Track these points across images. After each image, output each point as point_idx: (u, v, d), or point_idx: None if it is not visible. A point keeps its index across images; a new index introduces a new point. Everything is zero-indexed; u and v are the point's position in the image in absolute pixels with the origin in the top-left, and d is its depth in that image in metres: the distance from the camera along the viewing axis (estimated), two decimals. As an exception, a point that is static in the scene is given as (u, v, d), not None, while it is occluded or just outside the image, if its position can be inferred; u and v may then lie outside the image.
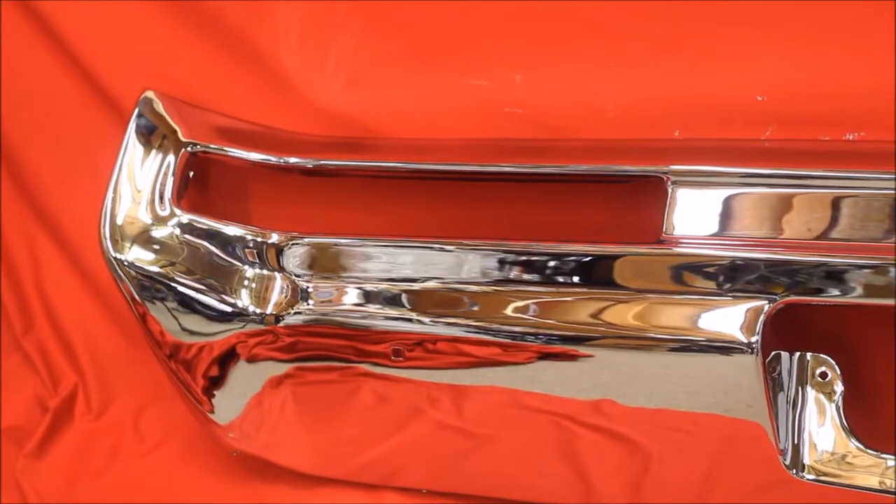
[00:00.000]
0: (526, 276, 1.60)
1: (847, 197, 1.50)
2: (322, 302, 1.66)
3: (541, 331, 1.59)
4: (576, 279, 1.58)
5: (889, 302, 1.48)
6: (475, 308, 1.61)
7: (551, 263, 1.59)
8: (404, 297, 1.64)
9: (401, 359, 1.63)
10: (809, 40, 1.56)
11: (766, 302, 1.50)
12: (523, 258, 1.60)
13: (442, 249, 1.64)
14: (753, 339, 1.50)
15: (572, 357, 1.58)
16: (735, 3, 1.57)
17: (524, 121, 1.65)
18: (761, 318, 1.50)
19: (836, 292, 1.49)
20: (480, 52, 1.67)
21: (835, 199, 1.50)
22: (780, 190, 1.52)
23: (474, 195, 1.70)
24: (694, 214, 1.55)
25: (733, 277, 1.51)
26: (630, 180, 1.57)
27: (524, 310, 1.59)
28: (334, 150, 1.73)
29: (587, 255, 1.57)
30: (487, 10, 1.66)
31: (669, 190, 1.54)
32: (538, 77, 1.65)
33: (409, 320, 1.64)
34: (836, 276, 1.48)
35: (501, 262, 1.60)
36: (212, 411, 1.74)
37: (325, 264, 1.68)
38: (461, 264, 1.62)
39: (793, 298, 1.50)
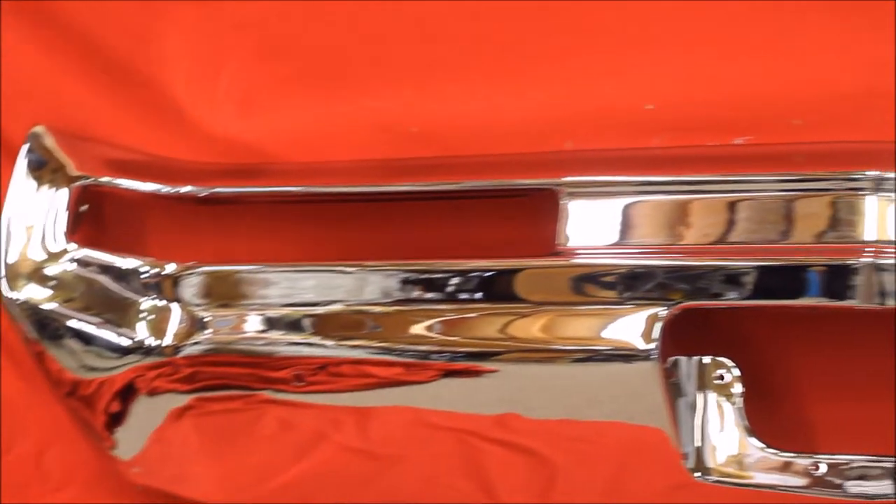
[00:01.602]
0: (427, 295, 1.60)
1: (742, 201, 1.51)
2: (221, 331, 1.65)
3: (444, 348, 1.58)
4: (477, 295, 1.58)
5: (786, 302, 1.49)
6: (378, 329, 1.60)
7: (451, 281, 1.58)
8: (306, 322, 1.63)
9: (302, 384, 1.62)
10: (696, 47, 1.58)
11: (664, 308, 1.51)
12: (424, 277, 1.60)
13: (342, 272, 1.63)
14: (652, 345, 1.51)
15: (476, 373, 1.58)
16: (620, 13, 1.58)
17: (418, 139, 1.66)
18: (659, 324, 1.51)
19: (733, 295, 1.50)
20: (372, 72, 1.67)
21: (730, 203, 1.51)
22: (675, 197, 1.54)
23: (373, 216, 1.70)
24: (588, 225, 1.56)
25: (631, 286, 1.52)
26: (524, 194, 1.58)
27: (427, 328, 1.59)
28: (229, 177, 1.72)
29: (485, 271, 1.58)
30: (377, 30, 1.66)
31: (562, 202, 1.55)
32: (430, 95, 1.66)
33: (312, 345, 1.63)
34: (731, 279, 1.50)
35: (403, 282, 1.60)
36: (114, 447, 1.71)
37: (223, 292, 1.66)
38: (363, 286, 1.62)
39: (689, 303, 1.51)
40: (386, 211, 1.70)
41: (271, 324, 1.65)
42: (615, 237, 1.55)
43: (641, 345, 1.52)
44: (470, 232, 1.66)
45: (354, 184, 1.66)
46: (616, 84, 1.60)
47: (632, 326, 1.53)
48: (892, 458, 1.55)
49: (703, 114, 1.58)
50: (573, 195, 1.56)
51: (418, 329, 1.60)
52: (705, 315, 1.56)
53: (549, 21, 1.61)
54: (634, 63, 1.60)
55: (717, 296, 1.51)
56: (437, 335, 1.59)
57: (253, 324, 1.65)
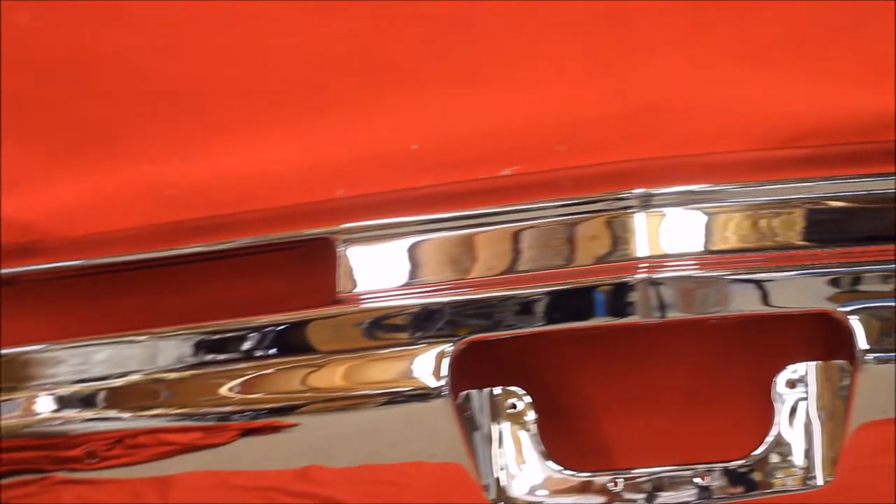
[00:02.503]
0: (219, 356, 1.58)
1: (519, 230, 1.54)
2: (10, 416, 1.60)
3: (242, 407, 1.57)
4: (267, 351, 1.57)
5: (569, 325, 1.51)
6: (174, 395, 1.58)
7: (241, 339, 1.58)
8: (99, 397, 1.60)
9: (96, 460, 1.58)
10: (454, 84, 1.60)
11: (450, 344, 1.52)
12: (214, 338, 1.59)
13: (132, 342, 1.60)
14: (442, 382, 1.52)
15: (276, 429, 1.57)
16: (378, 56, 1.59)
17: (189, 200, 1.64)
18: (447, 360, 1.51)
19: (517, 324, 1.52)
20: (137, 138, 1.65)
21: (507, 233, 1.54)
22: (454, 233, 1.55)
23: (157, 282, 1.68)
24: (368, 269, 1.57)
25: (416, 325, 1.54)
26: (300, 245, 1.58)
27: (222, 389, 1.58)
28: (5, 258, 1.67)
29: (272, 326, 1.57)
30: (136, 97, 1.65)
31: (338, 249, 1.55)
32: (197, 155, 1.64)
33: (107, 419, 1.60)
34: (513, 308, 1.52)
35: (194, 346, 1.59)
36: None
37: (9, 376, 1.61)
38: (155, 354, 1.60)
39: (474, 337, 1.52)
40: (168, 275, 1.68)
41: (63, 402, 1.61)
42: (398, 279, 1.56)
43: (432, 383, 1.53)
44: (252, 288, 1.65)
45: (132, 252, 1.63)
46: (380, 127, 1.61)
47: (421, 366, 1.54)
48: (691, 467, 1.57)
49: (468, 149, 1.60)
50: (349, 241, 1.56)
51: (214, 391, 1.58)
52: (494, 346, 1.57)
53: (307, 72, 1.61)
54: (396, 105, 1.61)
55: (501, 326, 1.53)
56: (233, 395, 1.58)
57: (43, 405, 1.61)
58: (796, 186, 1.53)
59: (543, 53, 1.59)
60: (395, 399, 1.55)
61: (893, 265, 1.51)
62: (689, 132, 1.59)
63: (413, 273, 1.55)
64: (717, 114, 1.59)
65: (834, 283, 1.51)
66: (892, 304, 1.51)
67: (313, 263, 1.56)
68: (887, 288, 1.51)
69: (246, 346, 1.57)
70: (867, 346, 1.50)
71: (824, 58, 1.59)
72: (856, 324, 1.50)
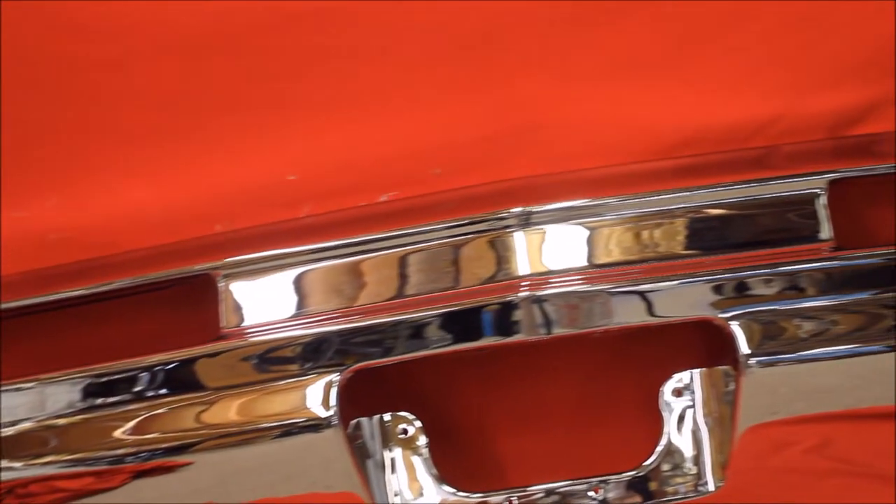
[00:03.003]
0: (110, 399, 1.57)
1: (405, 255, 1.53)
2: None
3: (136, 449, 1.55)
4: (157, 391, 1.56)
5: (456, 347, 1.51)
6: (66, 441, 1.56)
7: (131, 380, 1.56)
8: (-10, 447, 1.57)
9: (-17, 514, 1.56)
10: (328, 113, 1.60)
11: (337, 373, 1.52)
12: (102, 381, 1.57)
13: (19, 389, 1.58)
14: (331, 412, 1.51)
15: (171, 468, 1.56)
16: (248, 88, 1.59)
17: (69, 244, 1.62)
18: (334, 389, 1.51)
19: (404, 349, 1.52)
20: (12, 183, 1.63)
21: (392, 259, 1.54)
22: (337, 261, 1.54)
23: (40, 328, 1.65)
24: (253, 302, 1.56)
25: (303, 356, 1.54)
26: (182, 283, 1.57)
27: (114, 431, 1.56)
28: None
29: (159, 366, 1.56)
30: (14, 138, 1.62)
31: (220, 284, 1.54)
32: (77, 196, 1.62)
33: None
34: (399, 333, 1.53)
35: (83, 390, 1.57)
36: None
37: None
38: (44, 400, 1.57)
39: (361, 364, 1.52)
40: (56, 319, 1.65)
41: (-50, 456, 1.58)
42: (283, 310, 1.56)
43: (322, 413, 1.53)
44: (137, 329, 1.64)
45: (14, 299, 1.61)
46: (255, 160, 1.61)
47: (310, 396, 1.54)
48: (585, 480, 1.58)
49: (344, 177, 1.61)
50: (230, 276, 1.55)
51: (107, 434, 1.57)
52: (383, 372, 1.57)
53: (181, 109, 1.60)
54: (269, 137, 1.61)
55: (387, 353, 1.53)
56: (126, 437, 1.56)
57: (-72, 460, 1.59)
58: (675, 196, 1.55)
59: (414, 80, 1.60)
60: (287, 431, 1.54)
61: (770, 269, 1.52)
62: (564, 149, 1.60)
63: (297, 304, 1.55)
64: (592, 129, 1.60)
65: (715, 290, 1.53)
66: (772, 307, 1.52)
67: (196, 300, 1.55)
68: (766, 292, 1.53)
69: (134, 387, 1.56)
70: (749, 351, 1.51)
71: (697, 68, 1.61)
72: (737, 329, 1.52)
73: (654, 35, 1.60)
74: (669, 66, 1.61)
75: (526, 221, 1.54)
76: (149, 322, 1.63)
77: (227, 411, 1.55)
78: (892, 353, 1.54)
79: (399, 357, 1.54)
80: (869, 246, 1.55)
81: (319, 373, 1.54)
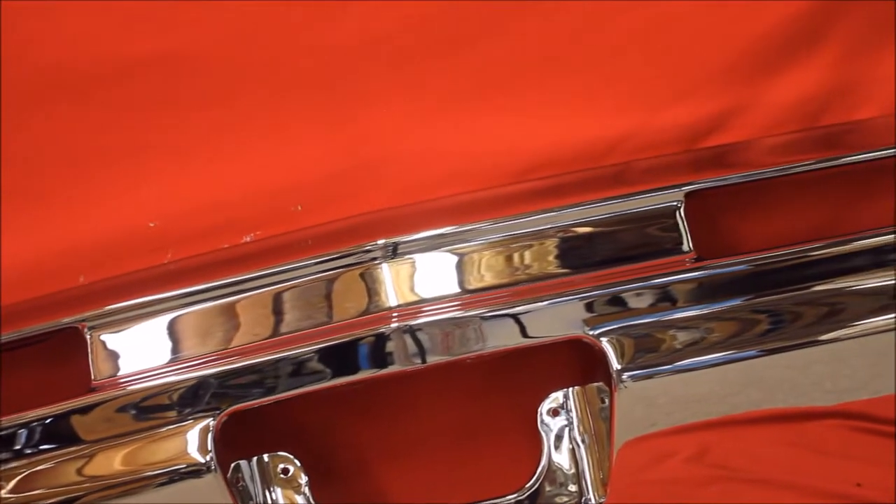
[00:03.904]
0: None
1: (273, 294, 1.53)
2: None
3: (17, 508, 1.53)
4: (37, 447, 1.54)
5: (331, 383, 1.51)
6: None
7: (8, 438, 1.54)
8: None
9: None
10: (184, 157, 1.60)
11: (212, 417, 1.51)
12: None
13: None
14: (208, 457, 1.50)
15: (55, 527, 1.54)
16: (98, 142, 1.58)
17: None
18: (210, 434, 1.50)
19: (276, 388, 1.52)
20: None
21: (261, 298, 1.53)
22: (203, 305, 1.55)
23: None
24: (124, 352, 1.55)
25: (176, 403, 1.53)
26: (48, 337, 1.55)
27: (-2, 491, 1.54)
28: None
29: (32, 422, 1.54)
30: None
31: (87, 336, 1.53)
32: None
33: None
34: (272, 373, 1.53)
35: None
36: None
37: None
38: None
39: (235, 407, 1.52)
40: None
41: None
42: (154, 358, 1.56)
43: (201, 458, 1.52)
44: (9, 385, 1.61)
45: None
46: (114, 210, 1.60)
47: (189, 442, 1.53)
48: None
49: (205, 220, 1.60)
50: (97, 328, 1.54)
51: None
52: (260, 412, 1.56)
53: (35, 164, 1.60)
54: (128, 185, 1.60)
55: (260, 393, 1.53)
56: (7, 496, 1.54)
57: None
58: (539, 218, 1.57)
59: (266, 119, 1.60)
60: (170, 479, 1.54)
61: (635, 284, 1.54)
62: (421, 178, 1.61)
63: (169, 350, 1.55)
64: (447, 157, 1.62)
65: (584, 308, 1.55)
66: (641, 321, 1.54)
67: (66, 354, 1.54)
68: (634, 306, 1.54)
69: (12, 445, 1.54)
70: (620, 366, 1.53)
71: (547, 89, 1.63)
72: (607, 346, 1.53)
73: (503, 59, 1.62)
74: (519, 90, 1.62)
75: (393, 252, 1.55)
76: (20, 379, 1.61)
77: (109, 463, 1.54)
78: (763, 358, 1.55)
79: (273, 397, 1.53)
80: (728, 255, 1.56)
81: (196, 418, 1.53)
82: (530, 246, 1.55)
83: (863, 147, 1.61)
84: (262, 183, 1.60)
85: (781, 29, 1.62)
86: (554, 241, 1.56)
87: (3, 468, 1.54)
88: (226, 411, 1.52)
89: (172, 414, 1.53)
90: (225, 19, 1.59)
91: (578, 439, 1.59)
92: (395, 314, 1.53)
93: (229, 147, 1.59)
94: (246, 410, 1.54)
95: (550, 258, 1.55)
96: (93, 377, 1.54)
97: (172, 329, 1.55)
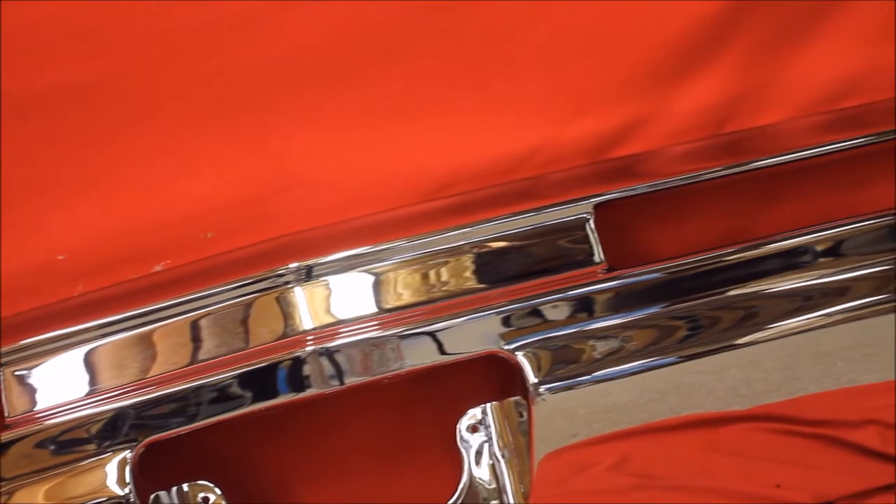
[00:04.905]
0: None
1: (204, 317, 1.52)
2: None
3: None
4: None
5: (249, 409, 1.51)
6: None
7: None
8: None
9: None
10: (92, 188, 1.59)
11: (129, 450, 1.50)
12: None
13: None
14: (127, 489, 1.50)
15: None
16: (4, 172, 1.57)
17: None
18: (128, 466, 1.49)
19: (194, 416, 1.52)
20: None
21: (176, 327, 1.52)
22: (131, 333, 1.53)
23: None
24: (39, 388, 1.54)
25: (95, 435, 1.52)
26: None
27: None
28: None
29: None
30: None
31: (0, 373, 1.52)
32: None
33: None
34: (189, 401, 1.52)
35: None
36: None
37: None
38: None
39: (151, 438, 1.51)
40: None
41: None
42: (70, 392, 1.55)
43: (119, 491, 1.51)
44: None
45: None
46: (22, 243, 1.58)
47: (107, 475, 1.53)
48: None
49: (116, 250, 1.60)
50: (9, 364, 1.54)
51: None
52: (179, 442, 1.55)
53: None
54: (34, 219, 1.59)
55: (177, 422, 1.53)
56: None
57: None
58: (451, 235, 1.58)
59: (172, 146, 1.59)
60: (88, 517, 1.52)
61: (549, 297, 1.55)
62: (330, 201, 1.61)
63: (83, 383, 1.54)
64: (356, 178, 1.62)
65: (500, 322, 1.56)
66: (556, 334, 1.55)
67: None
68: (548, 319, 1.55)
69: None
70: (537, 380, 1.53)
71: (454, 107, 1.63)
72: (523, 359, 1.54)
73: (409, 79, 1.62)
74: (427, 109, 1.63)
75: (307, 275, 1.55)
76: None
77: (30, 499, 1.52)
78: (679, 364, 1.56)
79: (191, 426, 1.53)
80: (639, 264, 1.58)
81: (115, 450, 1.52)
82: (444, 263, 1.56)
83: (768, 152, 1.63)
84: (171, 211, 1.59)
85: (683, 38, 1.63)
86: (468, 257, 1.56)
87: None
88: (143, 442, 1.51)
89: (91, 447, 1.52)
90: (130, 49, 1.58)
91: (498, 454, 1.59)
92: (310, 337, 1.53)
93: (137, 176, 1.59)
94: (167, 439, 1.52)
95: (465, 274, 1.56)
96: (7, 413, 1.52)
97: (88, 361, 1.54)
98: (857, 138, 1.64)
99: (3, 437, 1.53)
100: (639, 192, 1.58)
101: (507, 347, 1.55)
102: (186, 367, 1.54)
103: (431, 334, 1.55)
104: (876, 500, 1.63)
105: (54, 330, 1.55)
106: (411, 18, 1.60)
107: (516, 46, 1.62)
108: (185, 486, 1.58)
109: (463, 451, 1.60)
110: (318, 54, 1.59)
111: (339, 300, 1.55)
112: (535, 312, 1.56)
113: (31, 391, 1.54)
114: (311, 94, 1.60)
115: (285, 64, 1.60)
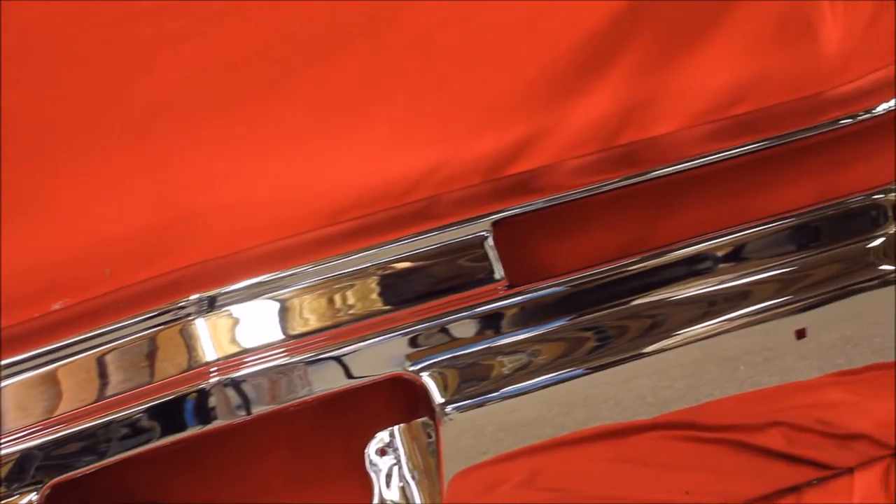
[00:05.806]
0: None
1: (107, 353, 1.51)
2: None
3: None
4: None
5: (156, 444, 1.50)
6: None
7: None
8: None
9: None
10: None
11: (35, 492, 1.49)
12: None
13: None
14: (37, 531, 1.48)
15: None
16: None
17: None
18: (35, 508, 1.48)
19: (102, 454, 1.51)
20: None
21: (97, 358, 1.51)
22: (37, 371, 1.51)
23: None
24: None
25: (6, 477, 1.49)
26: None
27: None
28: None
29: None
30: None
31: None
32: None
33: None
34: (94, 439, 1.51)
35: None
36: None
37: None
38: None
39: (58, 479, 1.50)
40: None
41: None
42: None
43: (28, 534, 1.49)
44: None
45: None
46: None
47: (21, 521, 1.50)
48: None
49: (11, 290, 1.57)
50: None
51: None
52: (92, 479, 1.54)
53: None
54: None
55: (84, 461, 1.51)
56: None
57: None
58: (352, 259, 1.57)
59: (64, 177, 1.57)
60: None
61: (451, 316, 1.55)
62: (233, 228, 1.60)
63: (5, 419, 1.51)
64: (257, 205, 1.61)
65: (403, 344, 1.56)
66: (459, 353, 1.56)
67: None
68: (451, 338, 1.56)
69: None
70: (443, 400, 1.54)
71: (350, 131, 1.63)
72: (427, 380, 1.54)
73: (302, 106, 1.61)
74: (321, 134, 1.62)
75: (209, 306, 1.54)
76: None
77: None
78: (585, 377, 1.58)
79: (98, 464, 1.51)
80: (541, 279, 1.59)
81: (22, 492, 1.50)
82: (348, 287, 1.56)
83: (664, 161, 1.64)
84: (64, 248, 1.57)
85: (575, 52, 1.64)
86: (371, 280, 1.56)
87: None
88: (48, 484, 1.50)
89: (3, 489, 1.50)
90: (29, 78, 1.55)
91: (408, 476, 1.60)
92: (213, 368, 1.52)
93: (31, 213, 1.56)
94: (79, 478, 1.51)
95: (370, 297, 1.56)
96: None
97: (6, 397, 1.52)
98: (752, 143, 1.66)
99: None
100: (537, 206, 1.59)
101: (411, 368, 1.55)
102: (91, 404, 1.52)
103: (337, 359, 1.55)
104: (783, 502, 1.65)
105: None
106: (301, 45, 1.60)
107: (410, 67, 1.62)
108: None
109: (373, 475, 1.60)
110: (223, 79, 1.58)
111: (244, 329, 1.54)
112: (438, 332, 1.57)
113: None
114: (214, 119, 1.58)
115: (180, 94, 1.58)
